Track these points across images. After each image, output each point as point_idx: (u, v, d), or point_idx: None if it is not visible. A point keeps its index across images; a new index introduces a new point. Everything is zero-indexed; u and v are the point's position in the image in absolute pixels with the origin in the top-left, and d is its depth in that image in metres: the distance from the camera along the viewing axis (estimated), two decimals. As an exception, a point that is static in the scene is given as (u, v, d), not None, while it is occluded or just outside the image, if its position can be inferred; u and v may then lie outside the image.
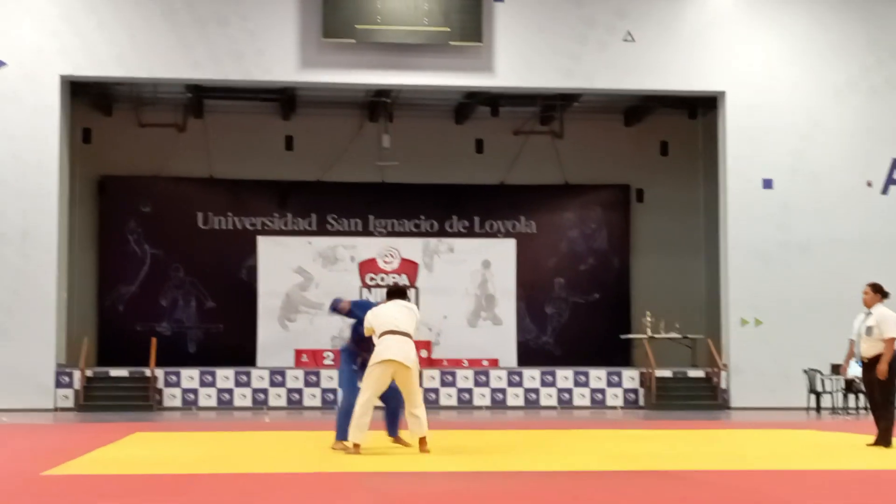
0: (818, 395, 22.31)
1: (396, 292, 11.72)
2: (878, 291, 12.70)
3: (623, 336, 26.58)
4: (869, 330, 12.44)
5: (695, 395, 23.61)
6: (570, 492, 8.17)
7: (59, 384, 22.37)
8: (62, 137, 22.81)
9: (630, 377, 23.92)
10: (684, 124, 27.58)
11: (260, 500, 7.81)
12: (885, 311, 12.48)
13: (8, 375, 21.92)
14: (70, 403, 22.34)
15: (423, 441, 11.31)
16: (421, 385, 11.74)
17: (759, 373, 23.38)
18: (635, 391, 23.80)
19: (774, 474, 9.77)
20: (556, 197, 27.69)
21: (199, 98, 25.73)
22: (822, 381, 22.37)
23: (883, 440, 12.36)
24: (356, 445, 11.11)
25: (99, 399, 22.41)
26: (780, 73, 23.84)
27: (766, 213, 23.68)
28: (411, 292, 25.43)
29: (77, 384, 22.44)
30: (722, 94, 23.87)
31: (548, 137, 27.33)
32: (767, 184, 23.75)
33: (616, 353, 26.48)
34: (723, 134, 24.01)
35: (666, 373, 23.94)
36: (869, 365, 12.45)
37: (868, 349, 12.45)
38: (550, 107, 26.33)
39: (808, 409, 22.42)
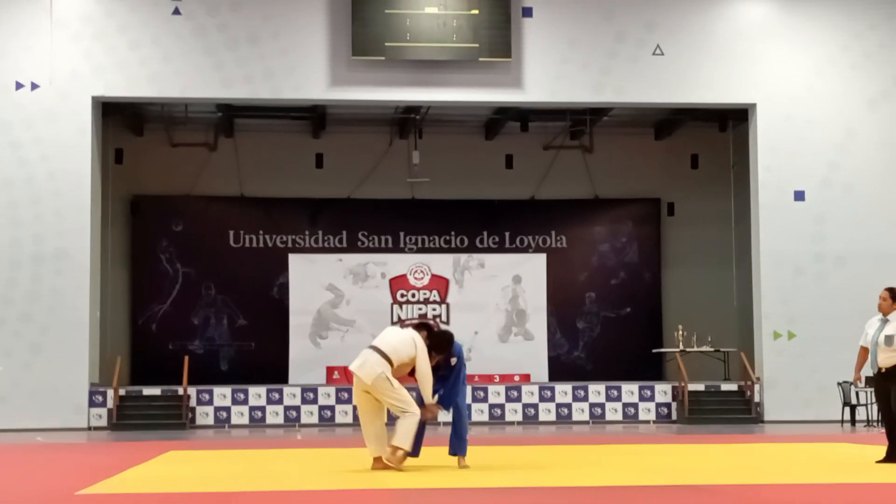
0: (853, 407, 22.14)
1: (416, 325, 11.60)
2: None
3: (655, 350, 26.48)
4: (889, 339, 11.73)
5: (728, 408, 23.48)
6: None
7: (92, 403, 22.49)
8: (95, 158, 22.99)
9: (662, 391, 23.82)
10: (715, 137, 27.49)
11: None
12: None
13: (42, 394, 22.06)
14: (103, 422, 22.45)
15: (393, 450, 11.07)
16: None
17: (793, 386, 23.24)
18: (668, 405, 23.70)
19: (809, 488, 9.70)
20: (586, 211, 27.66)
21: (230, 117, 25.87)
22: (857, 394, 22.21)
23: (893, 457, 11.73)
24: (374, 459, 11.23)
25: (132, 418, 22.51)
26: (811, 83, 23.74)
27: (799, 225, 23.56)
28: (443, 308, 25.45)
29: (110, 403, 22.55)
30: (753, 106, 23.78)
31: (578, 152, 27.31)
32: (800, 196, 23.64)
33: (648, 368, 26.38)
34: (754, 146, 23.92)
35: (699, 386, 23.82)
36: (886, 375, 11.78)
37: (887, 359, 11.76)
38: (580, 121, 26.32)
39: (842, 421, 22.26)
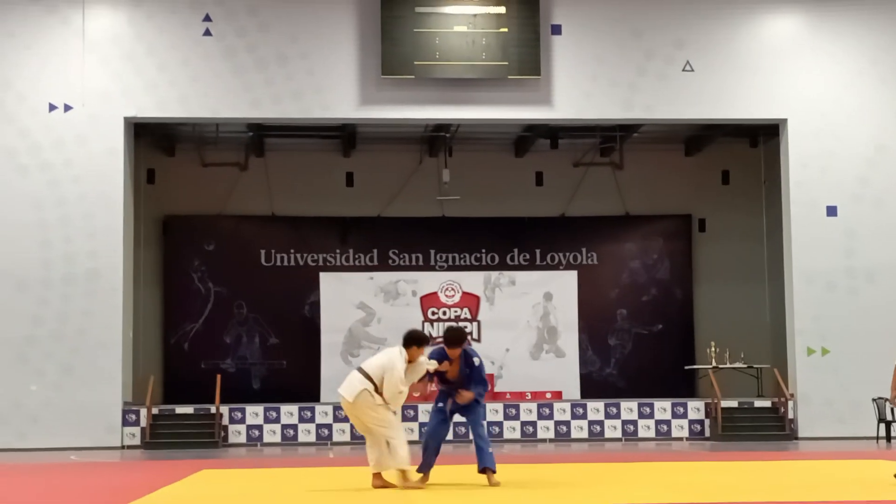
0: (888, 423, 21.96)
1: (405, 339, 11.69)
2: None
3: (687, 367, 26.36)
4: None
5: (761, 425, 23.33)
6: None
7: (125, 422, 22.59)
8: (127, 178, 23.14)
9: (695, 408, 23.70)
10: (745, 153, 27.40)
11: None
12: None
13: (76, 413, 22.18)
14: (137, 441, 22.54)
15: (400, 475, 11.24)
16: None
17: (827, 402, 23.07)
18: (701, 422, 23.57)
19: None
20: (617, 228, 27.61)
21: (261, 137, 26.00)
22: (892, 410, 22.02)
23: None
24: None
25: (165, 436, 22.59)
26: (842, 98, 23.63)
27: (831, 240, 23.42)
28: (474, 325, 25.43)
29: (143, 422, 22.64)
30: (783, 121, 23.69)
31: (608, 168, 27.28)
32: (832, 211, 23.52)
33: (680, 384, 26.26)
34: (785, 161, 23.82)
35: (732, 403, 23.69)
36: None
37: None
38: (610, 138, 26.29)
39: (877, 438, 22.08)
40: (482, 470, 11.64)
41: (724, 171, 27.88)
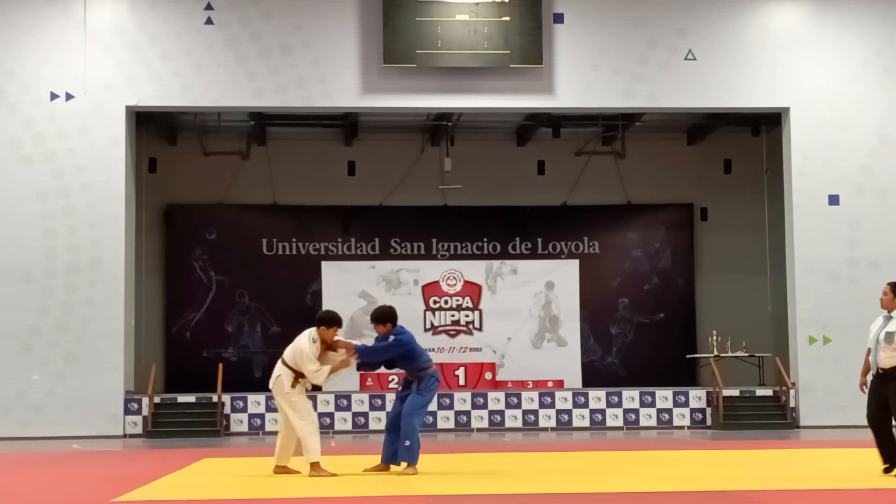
0: (889, 413, 21.95)
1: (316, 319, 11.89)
2: None
3: (689, 356, 26.39)
4: (889, 337, 11.01)
5: (763, 414, 23.36)
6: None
7: (127, 411, 22.64)
8: (129, 167, 23.15)
9: (697, 397, 23.73)
10: (748, 142, 27.39)
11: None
12: None
13: (78, 402, 22.22)
14: (139, 430, 22.59)
15: (311, 466, 11.40)
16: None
17: (829, 391, 23.08)
18: (702, 411, 23.60)
19: (844, 494, 9.65)
20: (619, 217, 27.61)
21: (262, 126, 25.99)
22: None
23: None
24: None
25: (167, 425, 22.63)
26: (844, 88, 23.61)
27: (833, 229, 23.42)
28: (475, 314, 25.45)
29: (145, 410, 22.68)
30: (786, 110, 23.68)
31: (610, 157, 27.27)
32: (834, 200, 23.51)
33: (682, 373, 26.29)
34: (787, 151, 23.81)
35: (733, 392, 23.71)
36: (884, 376, 10.99)
37: (887, 359, 11.02)
38: (612, 127, 26.28)
39: (879, 427, 22.06)
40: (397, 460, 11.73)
41: (726, 161, 27.86)
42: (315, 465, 11.47)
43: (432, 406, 23.14)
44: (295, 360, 11.65)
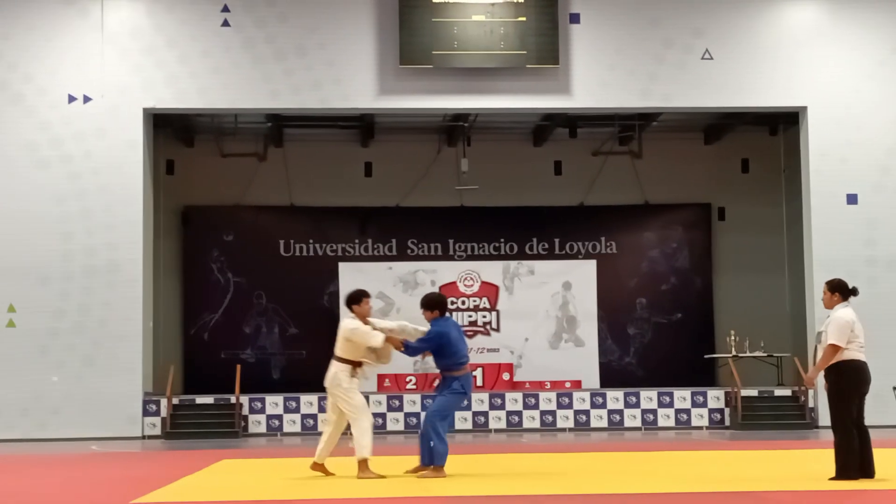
0: (909, 412, 21.88)
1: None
2: (836, 290, 11.02)
3: (707, 356, 26.32)
4: (818, 336, 10.94)
5: (782, 414, 23.29)
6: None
7: (146, 412, 22.69)
8: (146, 169, 23.21)
9: (715, 397, 23.67)
10: (765, 141, 27.31)
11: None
12: (838, 314, 10.85)
13: (97, 404, 22.29)
14: (157, 431, 22.65)
15: (359, 464, 11.41)
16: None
17: (848, 391, 22.95)
18: (721, 411, 23.54)
19: (863, 494, 9.61)
20: (636, 217, 27.56)
21: (279, 127, 26.04)
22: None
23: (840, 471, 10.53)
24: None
25: (185, 426, 22.68)
26: (861, 87, 23.51)
27: (851, 229, 23.32)
28: (493, 315, 25.43)
29: (164, 412, 22.73)
30: (803, 109, 23.60)
31: (627, 157, 27.23)
32: (852, 199, 23.42)
33: (700, 373, 26.22)
34: (805, 150, 23.73)
35: (752, 392, 23.65)
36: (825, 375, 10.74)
37: (820, 359, 10.93)
38: (629, 127, 26.23)
39: (898, 427, 22.01)
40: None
41: (743, 160, 27.78)
42: (363, 464, 11.42)
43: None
44: (345, 348, 11.66)
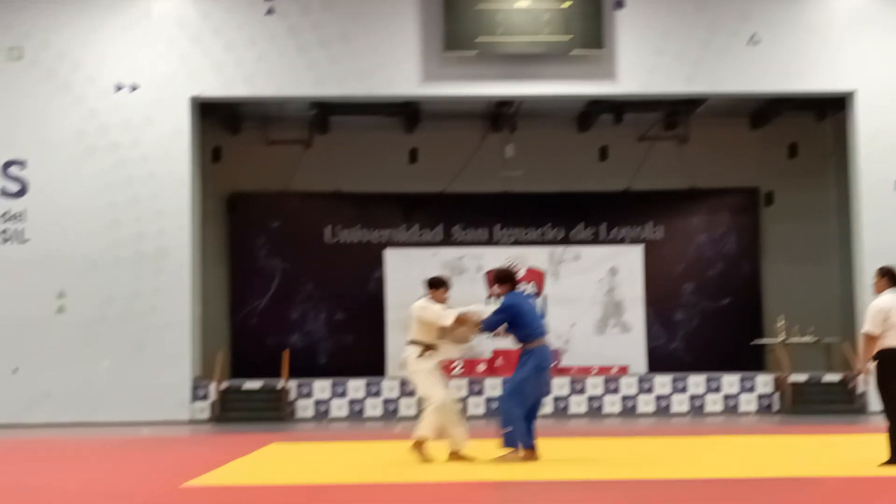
0: (960, 398, 21.64)
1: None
2: (884, 275, 11.09)
3: (756, 341, 26.17)
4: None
5: (831, 399, 23.12)
6: (701, 500, 8.09)
7: (195, 397, 22.87)
8: (193, 157, 23.36)
9: (764, 382, 23.54)
10: (813, 126, 27.06)
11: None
12: (875, 301, 10.98)
13: (147, 389, 22.49)
14: (206, 415, 22.83)
15: (415, 442, 11.44)
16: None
17: (898, 377, 22.75)
18: (770, 396, 23.40)
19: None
20: (682, 202, 27.40)
21: (325, 114, 26.10)
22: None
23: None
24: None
25: (234, 411, 22.85)
26: (911, 69, 23.26)
27: (901, 213, 23.09)
28: (539, 300, 25.41)
29: (213, 397, 22.91)
30: (852, 93, 23.36)
31: (673, 142, 27.07)
32: (901, 184, 23.17)
33: (749, 359, 26.06)
34: (853, 134, 23.50)
35: (801, 378, 23.49)
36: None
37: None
38: (675, 112, 26.08)
39: (949, 413, 21.76)
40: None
41: (791, 145, 27.53)
42: (419, 443, 11.42)
43: (496, 391, 23.18)
44: (416, 329, 11.67)
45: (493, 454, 11.67)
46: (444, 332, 11.49)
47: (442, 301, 11.61)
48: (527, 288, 25.20)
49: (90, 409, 22.40)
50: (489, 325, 11.66)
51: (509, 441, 11.31)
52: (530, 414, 11.48)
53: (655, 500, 8.12)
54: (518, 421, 11.30)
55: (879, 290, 11.13)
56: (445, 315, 11.34)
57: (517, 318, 11.47)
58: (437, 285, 11.76)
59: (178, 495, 9.00)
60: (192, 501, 8.62)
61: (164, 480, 10.15)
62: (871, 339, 10.78)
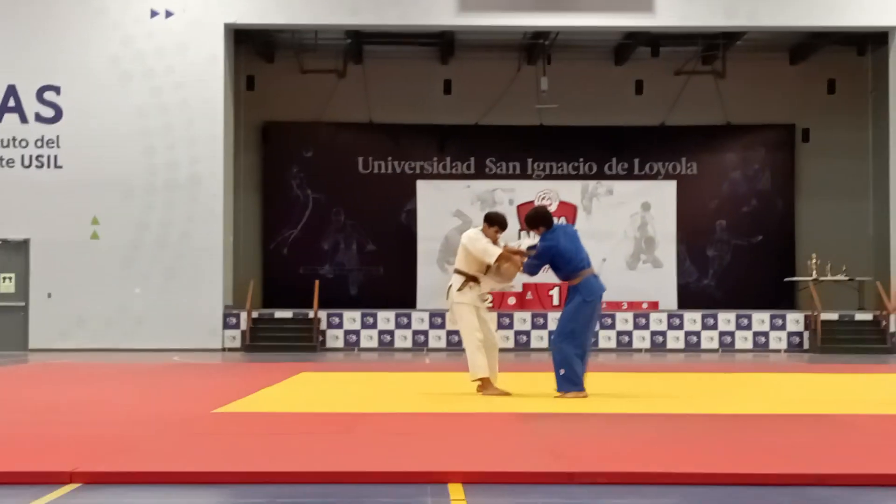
0: None
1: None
2: None
3: (787, 279, 26.06)
4: None
5: (862, 338, 23.06)
6: (727, 434, 8.09)
7: (226, 325, 23.05)
8: (227, 85, 23.33)
9: (795, 320, 23.48)
10: (853, 61, 26.71)
11: (422, 438, 7.94)
12: None
13: (179, 317, 22.68)
14: (237, 344, 23.01)
15: (480, 383, 11.27)
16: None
17: (930, 317, 22.67)
18: (800, 334, 23.36)
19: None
20: (717, 138, 27.20)
21: (359, 44, 25.97)
22: None
23: None
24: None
25: (264, 340, 23.03)
26: (955, 5, 22.87)
27: (939, 152, 22.83)
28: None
29: (244, 325, 23.08)
30: (892, 29, 23.02)
31: (710, 77, 26.80)
32: (940, 122, 22.89)
33: (780, 297, 25.99)
34: (894, 71, 23.19)
35: (832, 316, 23.42)
36: None
37: None
38: (712, 46, 25.79)
39: (981, 354, 21.69)
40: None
41: (829, 81, 27.22)
42: (485, 382, 11.25)
43: (526, 325, 23.23)
44: (462, 259, 11.43)
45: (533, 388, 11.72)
46: (487, 267, 11.36)
47: (493, 239, 11.39)
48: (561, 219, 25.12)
49: (123, 336, 22.62)
50: (530, 269, 11.41)
51: (564, 385, 11.03)
52: (584, 351, 11.11)
53: (685, 433, 8.14)
54: (572, 361, 11.00)
55: None
56: (490, 251, 11.19)
57: (556, 258, 11.25)
58: (492, 222, 11.44)
59: (210, 419, 9.09)
60: (224, 425, 8.71)
61: (194, 406, 10.25)
62: None
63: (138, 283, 22.81)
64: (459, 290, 11.36)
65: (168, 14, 22.86)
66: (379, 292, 25.94)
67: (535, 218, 11.46)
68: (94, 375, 15.08)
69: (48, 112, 22.97)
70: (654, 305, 24.78)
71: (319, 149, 26.95)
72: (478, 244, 11.28)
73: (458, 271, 11.47)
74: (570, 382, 11.03)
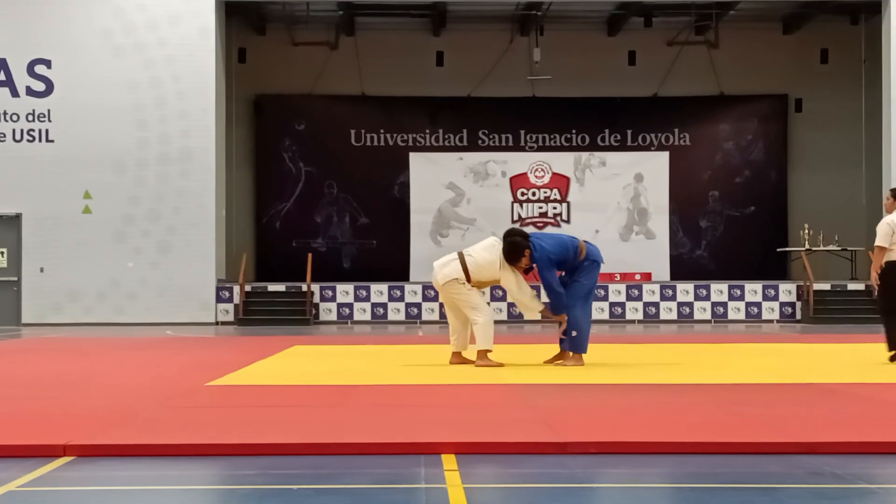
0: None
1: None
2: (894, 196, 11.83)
3: (780, 249, 26.09)
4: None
5: (854, 308, 23.12)
6: (719, 404, 8.12)
7: (219, 299, 23.05)
8: (219, 58, 23.25)
9: (787, 291, 23.52)
10: (846, 31, 26.67)
11: (415, 410, 7.95)
12: (888, 216, 11.67)
13: (171, 291, 22.67)
14: (230, 317, 23.02)
15: (478, 353, 11.31)
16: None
17: (923, 286, 22.69)
18: (792, 305, 23.40)
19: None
20: (710, 108, 27.18)
21: (351, 16, 25.88)
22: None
23: None
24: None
25: (257, 313, 23.03)
26: (947, -26, 22.82)
27: (932, 121, 22.82)
28: (563, 206, 25.35)
29: (237, 299, 23.08)
30: (885, -2, 22.98)
31: (703, 47, 26.77)
32: (933, 91, 22.86)
33: (772, 267, 26.04)
34: (887, 40, 23.16)
35: (824, 286, 23.46)
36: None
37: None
38: (705, 16, 25.74)
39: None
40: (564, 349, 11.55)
41: (822, 50, 27.19)
42: (482, 353, 11.37)
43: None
44: (483, 269, 11.27)
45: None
46: (486, 282, 11.49)
47: (521, 267, 11.29)
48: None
49: (116, 310, 22.61)
50: (552, 285, 11.32)
51: (577, 345, 11.32)
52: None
53: (677, 403, 8.16)
54: (587, 324, 11.32)
55: (890, 211, 11.90)
56: (533, 308, 11.19)
57: (558, 258, 11.34)
58: (517, 255, 11.14)
59: (204, 392, 9.10)
60: (218, 398, 8.72)
61: (187, 380, 10.25)
62: (880, 251, 11.78)
63: (131, 257, 22.78)
64: (461, 286, 11.37)
65: (158, -14, 22.73)
66: (372, 265, 25.95)
67: (514, 249, 11.23)
68: (86, 349, 15.08)
69: (39, 86, 22.89)
70: (646, 277, 24.81)
71: (312, 122, 26.90)
72: (524, 295, 11.15)
73: (465, 271, 11.36)
74: (581, 343, 11.33)
